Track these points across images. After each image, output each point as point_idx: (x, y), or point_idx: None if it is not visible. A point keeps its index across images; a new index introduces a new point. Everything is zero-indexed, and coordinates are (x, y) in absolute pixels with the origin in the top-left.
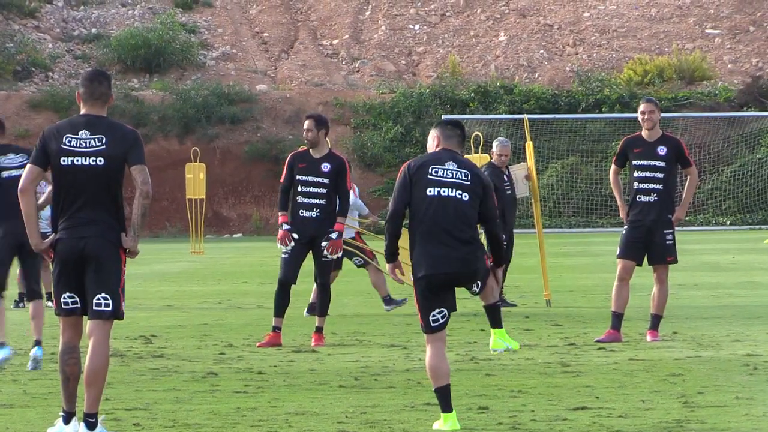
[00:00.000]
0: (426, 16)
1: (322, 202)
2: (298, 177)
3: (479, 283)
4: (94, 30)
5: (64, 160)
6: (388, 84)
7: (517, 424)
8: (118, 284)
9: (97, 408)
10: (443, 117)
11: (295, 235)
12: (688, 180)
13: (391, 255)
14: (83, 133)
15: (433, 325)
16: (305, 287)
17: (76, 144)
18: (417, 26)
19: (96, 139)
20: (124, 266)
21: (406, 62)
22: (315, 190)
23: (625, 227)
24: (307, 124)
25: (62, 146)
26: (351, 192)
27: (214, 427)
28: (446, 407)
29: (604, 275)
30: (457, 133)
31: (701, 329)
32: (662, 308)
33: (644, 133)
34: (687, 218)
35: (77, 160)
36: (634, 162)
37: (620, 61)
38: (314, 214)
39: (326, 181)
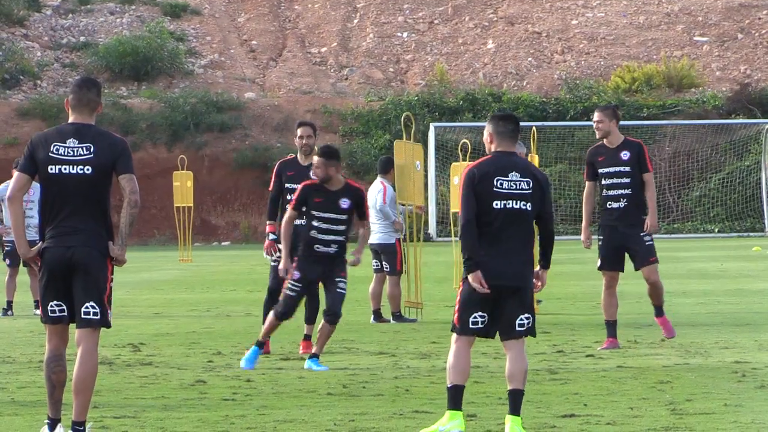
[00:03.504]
0: (414, 24)
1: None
2: (287, 185)
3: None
4: (82, 38)
5: (51, 169)
6: (376, 92)
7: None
8: (105, 293)
9: (86, 416)
10: (496, 112)
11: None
12: (647, 186)
13: (475, 264)
14: (71, 142)
15: (471, 327)
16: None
17: (64, 152)
18: (405, 34)
19: (84, 148)
20: (112, 275)
21: (394, 70)
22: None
23: (601, 237)
24: (302, 130)
25: (50, 154)
26: (380, 198)
27: None
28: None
29: (592, 282)
30: (510, 129)
31: (689, 336)
32: (661, 298)
33: (604, 140)
34: (675, 225)
35: (65, 169)
36: (600, 170)
37: (608, 68)
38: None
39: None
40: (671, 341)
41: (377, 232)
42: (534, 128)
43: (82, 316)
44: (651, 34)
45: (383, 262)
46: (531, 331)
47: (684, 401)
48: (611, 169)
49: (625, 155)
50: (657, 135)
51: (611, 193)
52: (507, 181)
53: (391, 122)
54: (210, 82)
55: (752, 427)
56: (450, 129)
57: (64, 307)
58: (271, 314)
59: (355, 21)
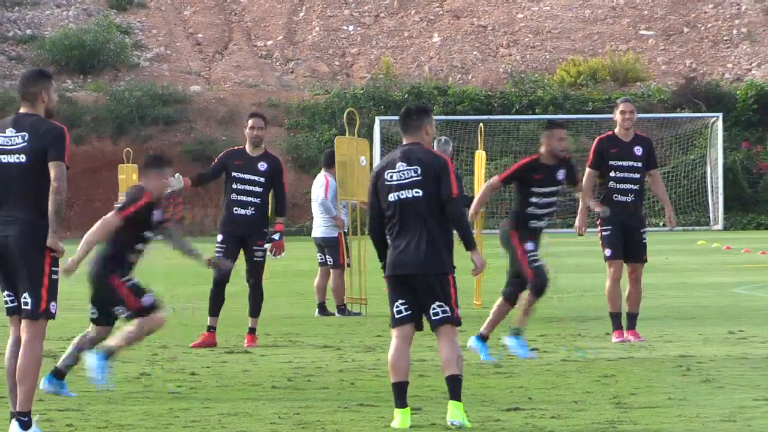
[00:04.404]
0: (360, 18)
1: (257, 200)
2: (234, 174)
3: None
4: (28, 31)
5: None
6: (322, 85)
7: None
8: (41, 283)
9: (29, 407)
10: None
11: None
12: (657, 182)
13: (383, 258)
14: (9, 131)
15: (397, 316)
16: (238, 289)
17: (3, 142)
18: (351, 27)
19: (20, 137)
20: (53, 266)
21: (339, 63)
22: (251, 188)
23: (607, 228)
24: (253, 121)
25: None
26: (323, 193)
27: (147, 428)
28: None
29: None
30: (406, 122)
31: None
32: (638, 306)
33: (621, 132)
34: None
35: (3, 158)
36: (611, 162)
37: (554, 62)
38: (249, 212)
39: (263, 180)
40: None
41: (320, 226)
42: (481, 125)
43: (22, 306)
44: (596, 27)
45: (327, 256)
46: (450, 320)
47: (628, 395)
48: (624, 163)
49: (638, 150)
50: (602, 129)
51: (620, 186)
52: (396, 172)
53: (336, 115)
54: (156, 75)
55: (696, 421)
56: (396, 122)
57: (14, 297)
58: None
59: (301, 14)
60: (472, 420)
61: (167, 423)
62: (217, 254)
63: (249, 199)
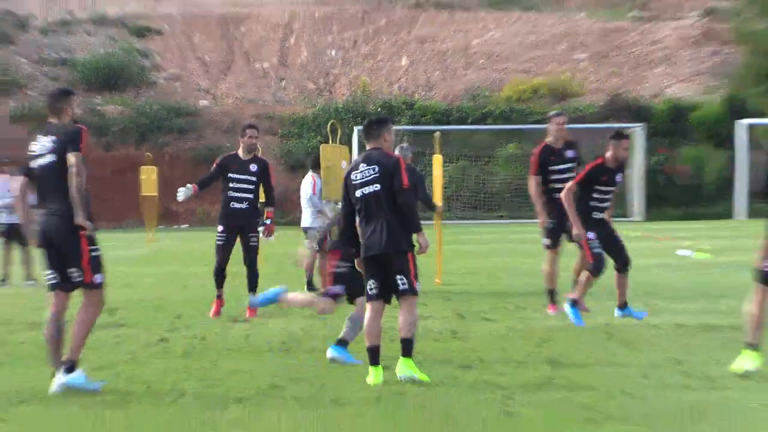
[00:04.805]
0: (341, 43)
1: (250, 196)
2: (230, 175)
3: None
4: (63, 54)
5: (32, 163)
6: (309, 100)
7: (414, 381)
8: (82, 258)
9: (76, 357)
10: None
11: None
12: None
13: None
14: (42, 139)
15: (370, 293)
16: (236, 269)
17: (38, 148)
18: (334, 52)
19: (50, 140)
20: (88, 244)
21: (324, 82)
22: (245, 186)
23: (551, 222)
24: (250, 131)
25: (29, 152)
26: (310, 190)
27: (167, 383)
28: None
29: (492, 259)
30: (367, 132)
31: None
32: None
33: (554, 141)
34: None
35: (40, 161)
36: (549, 167)
37: (502, 81)
38: (244, 206)
39: (254, 179)
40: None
41: (308, 218)
42: (438, 132)
43: (72, 279)
44: (538, 52)
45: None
46: (409, 291)
47: (561, 356)
48: (559, 167)
49: (569, 153)
50: (543, 137)
51: (558, 186)
52: (359, 172)
53: (321, 126)
54: (170, 92)
55: (618, 377)
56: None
57: (56, 275)
58: None
59: (292, 40)
60: (433, 377)
61: (183, 378)
62: (219, 242)
63: (243, 195)
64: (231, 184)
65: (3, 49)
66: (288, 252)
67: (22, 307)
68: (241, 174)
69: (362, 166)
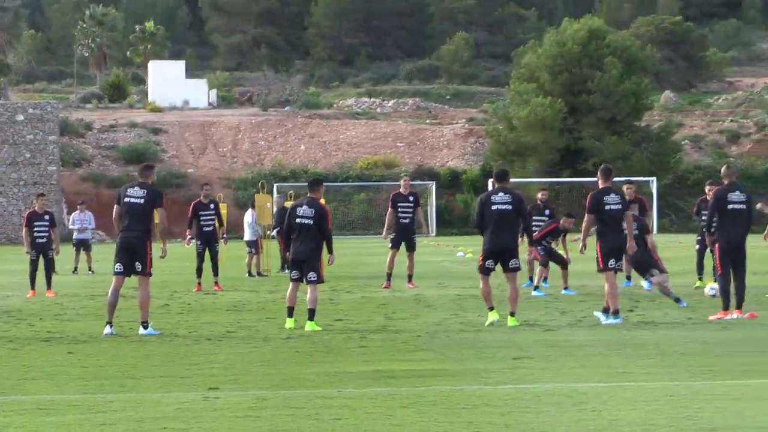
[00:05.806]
0: (267, 137)
1: (212, 222)
2: (200, 213)
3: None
4: (111, 143)
5: (125, 201)
6: (250, 169)
7: (342, 330)
8: (147, 260)
9: (146, 318)
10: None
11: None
12: (419, 212)
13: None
14: (137, 189)
15: (293, 278)
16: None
17: (133, 193)
18: (262, 142)
19: (142, 191)
20: (150, 252)
21: (259, 157)
22: (209, 218)
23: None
24: (206, 188)
25: (127, 195)
26: (250, 218)
27: (169, 329)
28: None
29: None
30: (310, 185)
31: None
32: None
33: (402, 190)
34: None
35: (132, 200)
36: (398, 205)
37: (358, 157)
38: (210, 229)
39: (213, 213)
40: (382, 290)
41: (249, 235)
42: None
43: (136, 269)
44: (377, 142)
45: (252, 249)
46: (316, 281)
47: (392, 314)
48: (402, 205)
49: (411, 197)
50: (390, 191)
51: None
52: (302, 209)
53: (255, 183)
54: (172, 165)
55: (421, 325)
56: (284, 187)
57: (124, 267)
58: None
59: (239, 136)
60: (323, 326)
61: (175, 329)
62: (198, 250)
63: (209, 222)
64: (202, 219)
65: (77, 139)
66: (237, 255)
67: (83, 286)
68: (205, 211)
69: (305, 207)
